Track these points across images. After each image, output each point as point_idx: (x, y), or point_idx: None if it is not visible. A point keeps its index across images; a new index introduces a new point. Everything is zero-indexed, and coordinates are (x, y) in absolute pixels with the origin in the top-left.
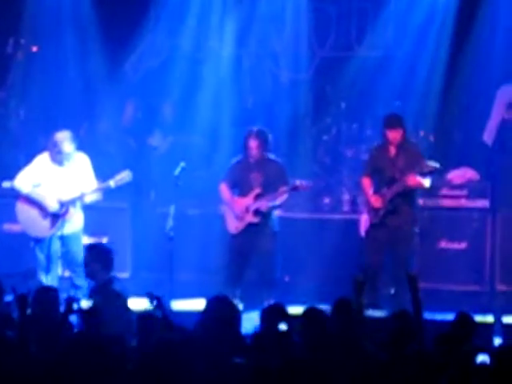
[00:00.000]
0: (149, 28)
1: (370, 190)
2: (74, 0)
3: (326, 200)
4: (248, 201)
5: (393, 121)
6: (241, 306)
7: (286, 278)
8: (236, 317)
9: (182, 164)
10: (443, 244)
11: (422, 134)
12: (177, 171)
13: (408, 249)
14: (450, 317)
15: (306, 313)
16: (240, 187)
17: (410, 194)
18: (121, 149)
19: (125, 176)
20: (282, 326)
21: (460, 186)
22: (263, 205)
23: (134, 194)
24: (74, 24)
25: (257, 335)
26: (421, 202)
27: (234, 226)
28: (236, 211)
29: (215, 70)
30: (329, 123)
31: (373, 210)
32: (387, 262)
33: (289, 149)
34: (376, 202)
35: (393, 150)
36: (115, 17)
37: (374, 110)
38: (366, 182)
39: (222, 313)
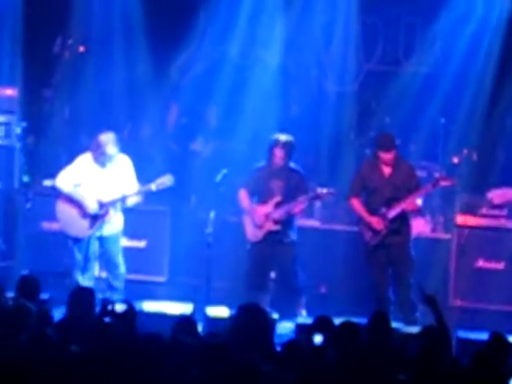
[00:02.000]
0: (197, 33)
1: (365, 211)
2: (123, 2)
3: None
4: (268, 208)
5: (386, 143)
6: (276, 316)
7: (323, 289)
8: (268, 325)
9: (224, 171)
10: (481, 263)
11: (465, 152)
12: (218, 177)
13: (410, 267)
14: (484, 336)
15: (340, 327)
16: (260, 194)
17: (406, 212)
18: (163, 153)
19: (166, 180)
20: (318, 339)
21: (500, 206)
22: (282, 213)
23: (174, 198)
24: (122, 26)
25: (291, 345)
26: (460, 219)
27: (253, 233)
28: (256, 219)
29: (261, 77)
30: (372, 137)
31: (372, 232)
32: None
33: (331, 160)
34: (378, 223)
35: (387, 170)
36: (163, 21)
37: (418, 126)
38: (358, 203)
39: (252, 321)
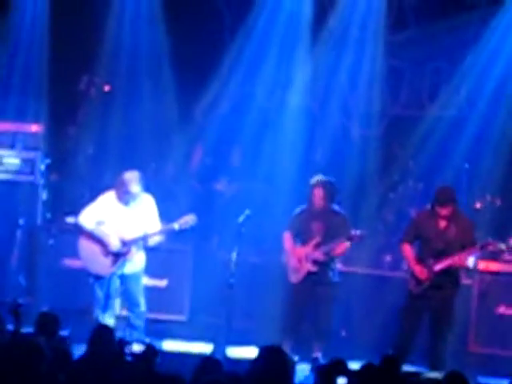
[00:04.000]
0: (222, 74)
1: (413, 258)
2: (150, 42)
3: (387, 257)
4: (307, 250)
5: (445, 198)
6: (296, 358)
7: (343, 333)
8: (289, 369)
9: (247, 212)
10: (502, 309)
11: (488, 197)
12: (241, 218)
13: (449, 323)
14: (504, 383)
15: (363, 369)
16: (301, 236)
17: (455, 268)
18: (187, 192)
19: (189, 220)
20: (341, 381)
21: None
22: (319, 255)
23: (197, 237)
24: (148, 66)
25: None
26: (482, 265)
27: (294, 275)
28: (296, 260)
29: (286, 119)
30: (396, 181)
31: (415, 280)
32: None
33: (354, 204)
34: (422, 273)
35: (443, 222)
36: (189, 61)
37: (442, 171)
38: (408, 249)
39: (274, 363)
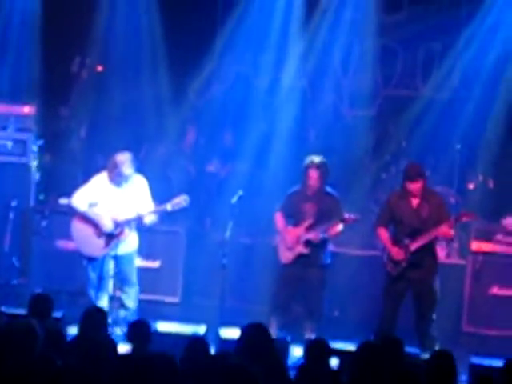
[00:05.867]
0: (214, 55)
1: (389, 241)
2: (143, 23)
3: None
4: (299, 231)
5: (413, 173)
6: (288, 339)
7: (336, 313)
8: (272, 344)
9: (240, 192)
10: (495, 290)
11: (480, 178)
12: (234, 199)
13: (432, 303)
14: (497, 363)
15: (360, 349)
16: (294, 217)
17: (431, 246)
18: (179, 173)
19: (182, 201)
20: (333, 362)
21: None
22: (313, 236)
23: (189, 219)
24: (141, 47)
25: (301, 369)
26: (475, 246)
27: (285, 255)
28: (287, 241)
29: (279, 100)
30: (388, 161)
31: (392, 262)
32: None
33: (346, 184)
34: (398, 254)
35: (415, 201)
36: (182, 42)
37: (435, 152)
38: (384, 232)
39: (255, 340)
